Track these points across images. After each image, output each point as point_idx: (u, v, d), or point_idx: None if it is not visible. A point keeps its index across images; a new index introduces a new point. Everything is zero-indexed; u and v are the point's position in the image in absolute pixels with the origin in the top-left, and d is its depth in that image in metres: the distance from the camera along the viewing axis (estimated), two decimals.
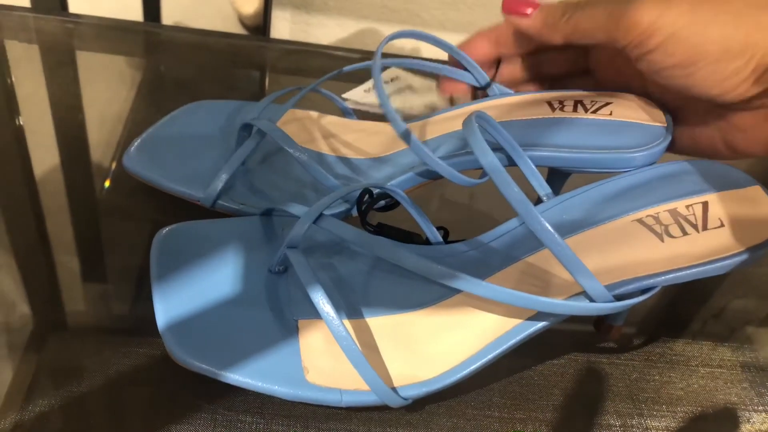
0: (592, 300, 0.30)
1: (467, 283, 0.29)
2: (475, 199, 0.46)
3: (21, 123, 0.47)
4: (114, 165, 0.44)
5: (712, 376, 0.37)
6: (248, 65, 0.60)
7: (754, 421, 0.35)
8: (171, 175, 0.39)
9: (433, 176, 0.40)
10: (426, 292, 0.34)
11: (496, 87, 0.41)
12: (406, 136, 0.35)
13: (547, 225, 0.28)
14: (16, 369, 0.32)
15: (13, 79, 0.51)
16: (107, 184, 0.42)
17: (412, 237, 0.38)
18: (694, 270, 0.31)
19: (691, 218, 0.32)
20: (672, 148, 0.37)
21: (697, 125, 0.36)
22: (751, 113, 0.32)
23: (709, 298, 0.43)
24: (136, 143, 0.41)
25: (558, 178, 0.38)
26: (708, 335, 0.40)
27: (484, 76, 0.41)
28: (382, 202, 0.39)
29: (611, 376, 0.37)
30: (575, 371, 0.36)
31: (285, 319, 0.32)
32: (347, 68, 0.42)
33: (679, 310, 0.42)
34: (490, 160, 0.28)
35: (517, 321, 0.32)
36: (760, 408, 0.35)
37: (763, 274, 0.45)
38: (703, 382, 0.37)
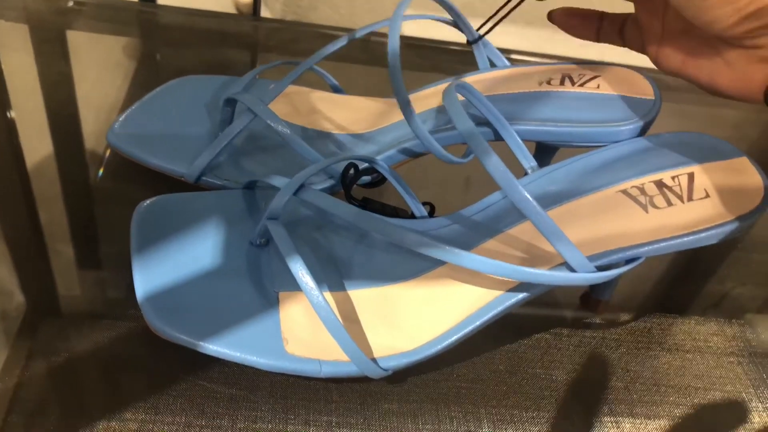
0: (573, 271, 0.30)
1: (449, 254, 0.29)
2: (462, 176, 0.45)
3: (11, 113, 0.47)
4: (107, 149, 0.44)
5: (702, 358, 0.37)
6: (239, 45, 0.59)
7: (744, 407, 0.35)
8: (155, 151, 0.39)
9: (415, 154, 0.39)
10: (408, 266, 0.34)
11: (483, 43, 0.40)
12: (405, 105, 0.34)
13: (525, 192, 0.27)
14: (9, 353, 0.32)
15: (1, 59, 0.51)
16: (101, 171, 0.42)
17: (397, 212, 0.38)
18: (678, 240, 0.30)
19: (677, 189, 0.32)
20: (659, 63, 0.35)
21: (690, 49, 0.34)
22: (742, 52, 0.31)
23: (705, 283, 0.43)
24: (120, 119, 0.41)
25: (545, 153, 0.38)
26: (701, 318, 0.40)
27: (472, 31, 0.40)
28: (368, 178, 0.39)
29: (597, 352, 0.36)
30: (561, 345, 0.36)
31: (265, 291, 0.32)
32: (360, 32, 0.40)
33: (672, 294, 0.42)
34: (468, 126, 0.28)
35: (498, 293, 0.31)
36: (751, 390, 0.35)
37: (761, 261, 0.45)
38: (692, 363, 0.37)
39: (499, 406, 0.33)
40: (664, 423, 0.33)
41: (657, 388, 0.35)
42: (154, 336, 0.31)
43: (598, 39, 0.38)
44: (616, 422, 0.33)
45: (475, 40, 0.40)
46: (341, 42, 0.40)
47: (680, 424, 0.34)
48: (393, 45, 0.34)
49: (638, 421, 0.33)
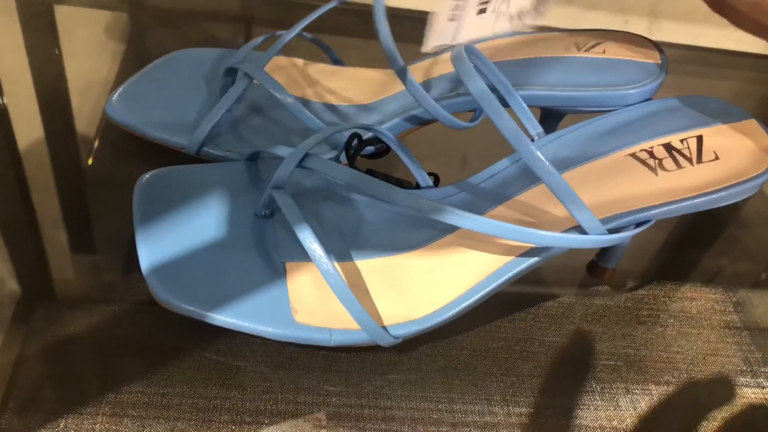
0: (585, 234, 0.30)
1: (462, 218, 0.29)
2: (465, 146, 0.45)
3: (4, 99, 0.45)
4: (100, 127, 0.43)
5: (700, 334, 0.37)
6: (232, 18, 0.58)
7: (740, 383, 0.35)
8: (155, 123, 0.38)
9: (420, 122, 0.39)
10: (416, 234, 0.33)
11: None
12: (402, 73, 0.34)
13: (538, 153, 0.27)
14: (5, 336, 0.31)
15: None
16: (90, 162, 0.41)
17: (401, 183, 0.37)
18: (687, 203, 0.30)
19: (686, 152, 0.32)
20: None
21: None
22: None
23: (702, 257, 0.43)
24: (118, 91, 0.40)
25: (551, 119, 0.38)
26: (700, 293, 0.39)
27: None
28: (372, 148, 0.39)
29: (605, 320, 0.36)
30: (568, 315, 0.36)
31: (272, 261, 0.32)
32: None
33: (672, 265, 0.42)
34: (480, 87, 0.27)
35: (507, 258, 0.31)
36: (746, 369, 0.35)
37: (759, 237, 0.45)
38: (693, 339, 0.37)
39: (509, 374, 0.33)
40: (671, 389, 0.33)
41: (668, 355, 0.35)
42: (159, 313, 0.30)
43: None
44: (626, 389, 0.33)
45: None
46: (331, 4, 0.40)
47: (687, 393, 0.34)
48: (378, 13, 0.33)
49: (646, 388, 0.33)
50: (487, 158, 0.36)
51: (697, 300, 0.38)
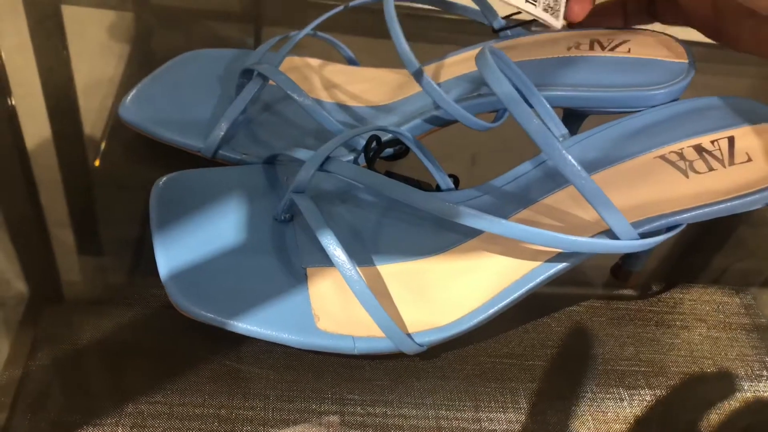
0: (616, 238, 0.29)
1: (489, 222, 0.28)
2: (485, 147, 0.44)
3: (10, 95, 0.45)
4: (107, 128, 0.42)
5: (726, 338, 0.36)
6: (240, 18, 0.58)
7: (753, 383, 0.34)
8: (169, 125, 0.37)
9: (440, 123, 0.38)
10: (438, 239, 0.32)
11: (510, 32, 0.39)
12: (418, 75, 0.33)
13: (569, 156, 0.26)
14: (14, 339, 0.30)
15: None
16: (98, 163, 0.40)
17: (421, 185, 0.36)
18: (721, 206, 0.29)
19: (717, 153, 0.31)
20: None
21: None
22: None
23: (728, 259, 0.42)
24: (131, 93, 0.39)
25: (575, 120, 0.37)
26: (726, 297, 0.39)
27: (499, 20, 0.39)
28: (390, 150, 0.38)
29: (631, 324, 0.35)
30: (594, 319, 0.35)
31: (293, 267, 0.31)
32: (353, 3, 0.40)
33: (695, 269, 0.41)
34: (506, 90, 0.26)
35: (534, 264, 0.30)
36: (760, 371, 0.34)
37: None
38: (706, 339, 0.36)
39: (535, 380, 0.32)
40: (698, 394, 0.33)
41: (693, 359, 0.34)
42: (173, 318, 0.29)
43: (626, 23, 0.37)
44: (654, 394, 0.32)
45: (501, 28, 0.39)
46: (339, 8, 0.39)
47: (714, 397, 0.33)
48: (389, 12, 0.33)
49: (673, 392, 0.33)
50: (508, 160, 0.35)
51: (723, 304, 0.37)
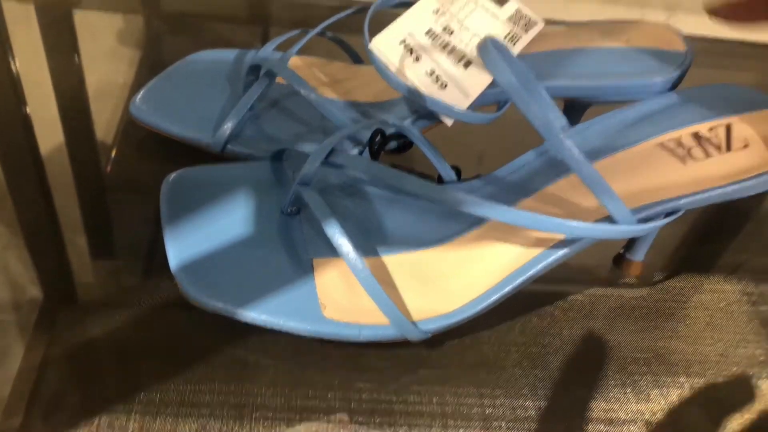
0: (616, 224, 0.29)
1: (492, 210, 0.28)
2: (487, 140, 0.45)
3: (26, 107, 0.46)
4: (118, 132, 0.43)
5: (729, 326, 0.36)
6: (247, 21, 0.58)
7: (756, 369, 0.34)
8: (179, 121, 0.38)
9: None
10: (443, 228, 0.33)
11: None
12: (414, 94, 0.34)
13: (569, 143, 0.27)
14: (29, 341, 0.31)
15: (11, 41, 0.50)
16: (110, 166, 0.41)
17: (423, 177, 0.37)
18: (718, 191, 0.30)
19: (714, 140, 0.31)
20: None
21: None
22: None
23: (728, 248, 0.42)
24: (141, 92, 0.40)
25: (576, 111, 0.37)
26: (727, 285, 0.39)
27: None
28: (394, 144, 0.39)
29: (632, 314, 0.36)
30: (596, 307, 0.36)
31: (300, 258, 0.32)
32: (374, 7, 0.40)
33: (697, 259, 0.41)
34: (508, 79, 0.27)
35: (537, 251, 0.31)
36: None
37: None
38: (724, 325, 0.36)
39: (538, 368, 0.33)
40: (701, 382, 0.33)
41: (697, 348, 0.35)
42: (185, 315, 0.30)
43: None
44: (656, 381, 0.33)
45: None
46: (350, 10, 0.40)
47: (718, 385, 0.33)
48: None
49: (677, 381, 0.33)
50: (510, 152, 0.36)
51: (724, 292, 0.38)
